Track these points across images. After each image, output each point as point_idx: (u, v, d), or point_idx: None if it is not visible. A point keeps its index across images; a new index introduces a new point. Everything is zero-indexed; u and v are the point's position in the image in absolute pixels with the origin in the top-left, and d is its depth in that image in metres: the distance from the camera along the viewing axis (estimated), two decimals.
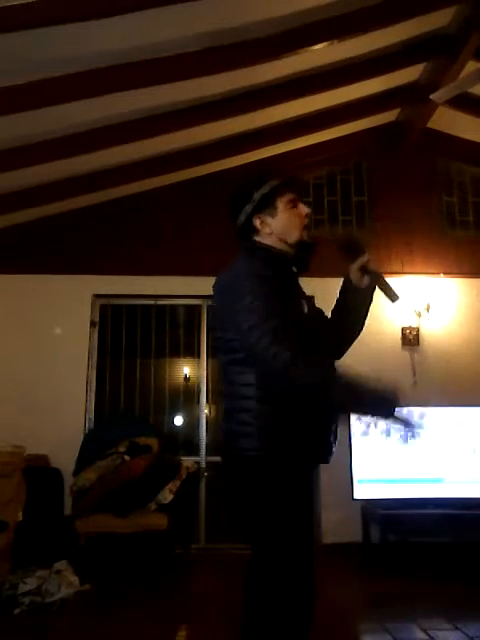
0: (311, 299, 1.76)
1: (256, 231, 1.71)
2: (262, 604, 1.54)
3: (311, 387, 1.48)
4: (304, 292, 1.76)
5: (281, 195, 1.69)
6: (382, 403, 1.50)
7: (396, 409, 1.50)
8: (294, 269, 1.74)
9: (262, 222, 1.69)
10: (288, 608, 1.52)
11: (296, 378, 1.46)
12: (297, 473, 1.57)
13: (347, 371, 1.55)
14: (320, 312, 1.78)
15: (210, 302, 1.75)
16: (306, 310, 1.69)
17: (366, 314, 1.82)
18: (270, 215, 1.69)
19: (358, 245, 1.74)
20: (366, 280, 1.73)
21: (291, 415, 1.55)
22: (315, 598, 1.59)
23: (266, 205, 1.68)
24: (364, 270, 1.72)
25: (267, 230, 1.69)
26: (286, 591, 1.52)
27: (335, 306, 1.83)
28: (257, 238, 1.71)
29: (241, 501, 1.62)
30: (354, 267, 1.73)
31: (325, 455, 1.64)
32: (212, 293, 1.69)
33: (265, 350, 1.46)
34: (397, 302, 1.72)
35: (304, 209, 1.71)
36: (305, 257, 1.73)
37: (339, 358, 1.82)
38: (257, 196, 1.68)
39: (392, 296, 1.70)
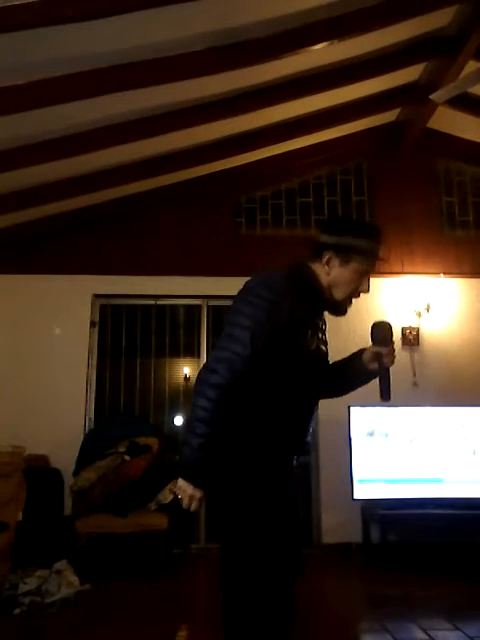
0: (324, 337, 1.76)
1: (318, 260, 1.69)
2: (235, 608, 1.54)
3: (191, 420, 1.52)
4: (323, 329, 1.75)
5: (363, 258, 1.66)
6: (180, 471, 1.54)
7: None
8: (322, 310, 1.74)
9: (329, 260, 1.67)
10: (256, 611, 1.51)
11: (193, 427, 1.50)
12: (267, 476, 1.58)
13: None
14: (325, 354, 1.76)
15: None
16: (313, 347, 1.67)
17: (355, 388, 1.83)
18: (340, 263, 1.66)
19: (389, 339, 1.73)
20: (374, 366, 1.73)
21: (259, 429, 1.57)
22: (293, 603, 1.58)
23: (347, 252, 1.66)
24: (379, 359, 1.71)
25: (326, 269, 1.67)
26: (253, 593, 1.52)
27: (335, 363, 1.83)
28: (313, 266, 1.69)
29: (215, 500, 1.62)
30: (373, 350, 1.72)
31: (299, 455, 1.68)
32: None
33: (206, 381, 1.51)
34: (384, 400, 1.70)
35: (367, 286, 1.70)
36: (330, 311, 1.74)
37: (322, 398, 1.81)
38: (347, 241, 1.66)
39: (384, 394, 1.69)
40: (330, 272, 1.67)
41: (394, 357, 1.72)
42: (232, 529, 1.58)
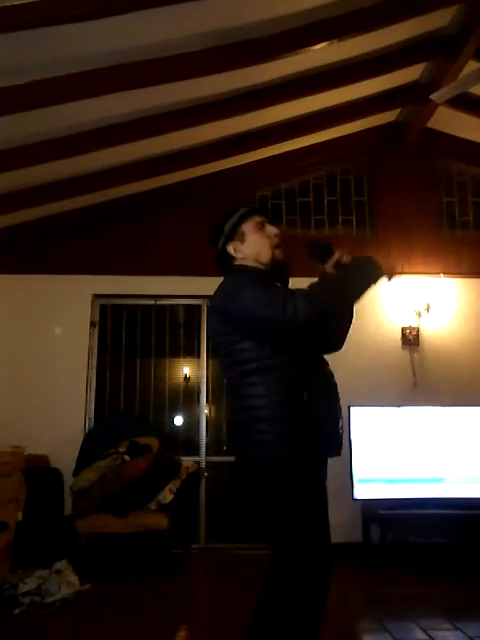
0: None
1: (233, 258, 1.86)
2: (282, 607, 1.56)
3: (332, 304, 1.67)
4: None
5: (247, 221, 1.84)
6: (375, 269, 1.72)
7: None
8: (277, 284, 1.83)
9: (235, 249, 1.84)
10: (305, 612, 1.56)
11: (320, 309, 1.61)
12: (315, 472, 1.66)
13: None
14: None
15: (210, 302, 1.80)
16: None
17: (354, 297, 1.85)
18: (240, 241, 1.84)
19: (325, 247, 1.80)
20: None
21: (302, 416, 1.64)
22: (326, 601, 1.62)
23: (235, 232, 1.84)
24: (339, 266, 1.77)
25: (240, 255, 1.84)
26: (306, 594, 1.56)
27: None
28: (236, 263, 1.85)
29: (269, 506, 1.68)
30: (328, 267, 1.79)
31: (337, 448, 1.74)
32: (209, 311, 1.83)
33: (282, 311, 1.58)
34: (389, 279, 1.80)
35: (272, 230, 1.85)
36: (282, 275, 1.85)
37: (339, 348, 1.93)
38: (227, 227, 1.86)
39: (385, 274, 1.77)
40: (244, 252, 1.83)
41: (343, 255, 1.80)
42: (292, 530, 1.61)
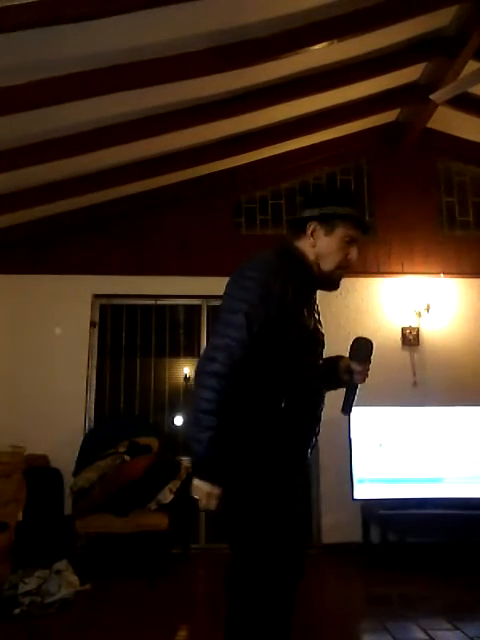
0: (320, 318, 1.75)
1: (303, 235, 1.69)
2: (241, 606, 1.52)
3: (190, 436, 1.50)
4: (317, 308, 1.74)
5: (347, 223, 1.66)
6: (194, 467, 1.55)
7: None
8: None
9: (314, 231, 1.67)
10: (264, 610, 1.50)
11: (198, 420, 1.47)
12: (276, 475, 1.56)
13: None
14: (322, 335, 1.75)
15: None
16: (311, 326, 1.66)
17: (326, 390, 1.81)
18: (324, 230, 1.66)
19: (367, 358, 1.73)
20: (346, 378, 1.74)
21: (275, 423, 1.55)
22: (294, 601, 1.57)
23: (330, 220, 1.66)
24: (351, 373, 1.72)
25: (311, 241, 1.67)
26: (259, 596, 1.50)
27: None
28: (298, 244, 1.70)
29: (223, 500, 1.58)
30: (350, 365, 1.72)
31: (301, 467, 1.66)
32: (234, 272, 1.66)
33: (205, 370, 1.48)
34: (344, 414, 1.74)
35: (354, 252, 1.68)
36: (315, 286, 1.73)
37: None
38: (331, 209, 1.66)
39: (346, 408, 1.72)
40: (316, 244, 1.66)
41: (366, 376, 1.71)
42: (243, 526, 1.53)
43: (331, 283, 1.71)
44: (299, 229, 1.69)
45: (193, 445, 1.47)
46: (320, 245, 1.66)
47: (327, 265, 1.67)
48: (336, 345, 1.89)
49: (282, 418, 1.55)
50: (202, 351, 1.58)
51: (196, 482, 1.48)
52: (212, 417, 1.45)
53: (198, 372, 1.51)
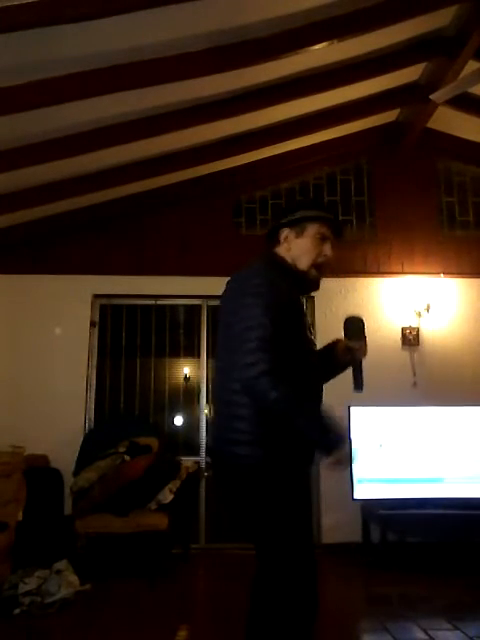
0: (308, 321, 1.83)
1: (278, 243, 1.79)
2: (271, 607, 1.55)
3: (283, 413, 1.53)
4: (305, 312, 1.82)
5: (316, 223, 1.76)
6: (331, 445, 1.52)
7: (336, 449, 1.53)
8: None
9: (287, 237, 1.78)
10: (295, 610, 1.54)
11: (275, 403, 1.50)
12: (294, 476, 1.62)
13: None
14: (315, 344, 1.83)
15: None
16: (308, 327, 1.75)
17: (330, 378, 1.87)
18: (296, 234, 1.77)
19: (361, 333, 1.81)
20: (347, 358, 1.80)
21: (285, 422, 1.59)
22: (318, 600, 1.61)
23: (299, 224, 1.77)
24: (351, 352, 1.78)
25: (286, 245, 1.77)
26: (292, 593, 1.54)
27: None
28: (276, 250, 1.80)
29: (242, 507, 1.65)
30: (348, 344, 1.79)
31: (312, 460, 1.69)
32: (227, 287, 1.74)
33: (256, 378, 1.50)
34: (358, 391, 1.77)
35: (328, 249, 1.77)
36: (305, 288, 1.80)
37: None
38: (299, 214, 1.78)
39: (358, 385, 1.76)
40: (290, 247, 1.77)
41: (366, 350, 1.79)
42: (270, 533, 1.58)
43: (309, 282, 1.78)
44: (274, 240, 1.81)
45: (308, 432, 1.52)
46: (294, 247, 1.76)
47: (303, 264, 1.75)
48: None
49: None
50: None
51: (337, 454, 1.50)
52: (293, 406, 1.50)
53: (245, 381, 1.52)
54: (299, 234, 1.76)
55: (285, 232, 1.78)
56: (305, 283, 1.77)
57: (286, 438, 1.57)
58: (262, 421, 1.57)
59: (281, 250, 1.78)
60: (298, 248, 1.76)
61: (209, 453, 1.75)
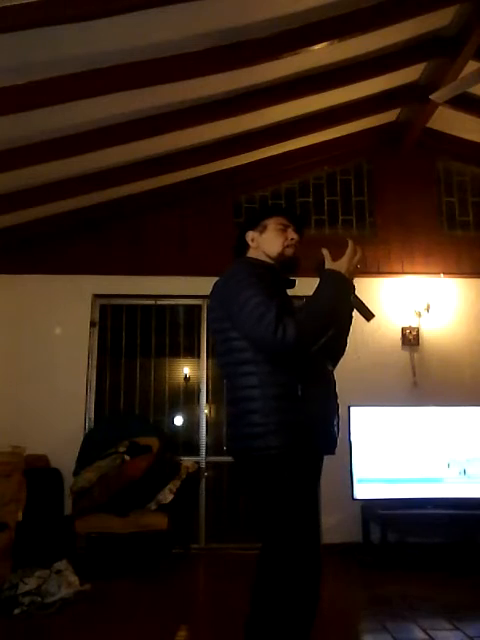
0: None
1: (248, 247, 1.91)
2: (272, 601, 1.56)
3: (319, 332, 1.66)
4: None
5: (272, 217, 1.90)
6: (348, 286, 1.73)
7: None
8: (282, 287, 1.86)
9: (252, 238, 1.90)
10: (296, 604, 1.56)
11: (307, 340, 1.63)
12: (309, 466, 1.66)
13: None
14: None
15: (213, 288, 1.83)
16: None
17: (345, 335, 1.95)
18: (259, 232, 1.89)
19: (320, 263, 1.81)
20: (321, 271, 1.82)
21: (295, 410, 1.64)
22: (319, 595, 1.62)
23: (258, 223, 1.90)
24: (322, 264, 1.80)
25: (254, 245, 1.89)
26: (296, 586, 1.56)
27: None
28: (248, 254, 1.91)
29: (260, 499, 1.68)
30: (317, 267, 1.82)
31: (331, 445, 1.74)
32: (211, 296, 1.81)
33: (273, 334, 1.58)
34: (369, 320, 1.77)
35: (292, 234, 1.88)
36: (289, 274, 1.89)
37: (342, 354, 1.95)
38: (258, 216, 1.94)
39: (367, 314, 1.76)
40: (259, 245, 1.89)
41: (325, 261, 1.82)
42: (284, 524, 1.60)
43: (287, 262, 1.87)
44: (242, 249, 1.92)
45: (339, 295, 1.70)
46: (262, 243, 1.88)
47: (273, 251, 1.86)
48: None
49: (300, 405, 1.64)
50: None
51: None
52: (312, 318, 1.65)
53: (259, 334, 1.60)
54: (262, 231, 1.89)
55: (250, 235, 1.90)
56: (284, 265, 1.86)
57: (300, 424, 1.62)
58: (273, 410, 1.62)
59: (251, 252, 1.89)
60: (265, 242, 1.87)
61: (230, 453, 1.78)
